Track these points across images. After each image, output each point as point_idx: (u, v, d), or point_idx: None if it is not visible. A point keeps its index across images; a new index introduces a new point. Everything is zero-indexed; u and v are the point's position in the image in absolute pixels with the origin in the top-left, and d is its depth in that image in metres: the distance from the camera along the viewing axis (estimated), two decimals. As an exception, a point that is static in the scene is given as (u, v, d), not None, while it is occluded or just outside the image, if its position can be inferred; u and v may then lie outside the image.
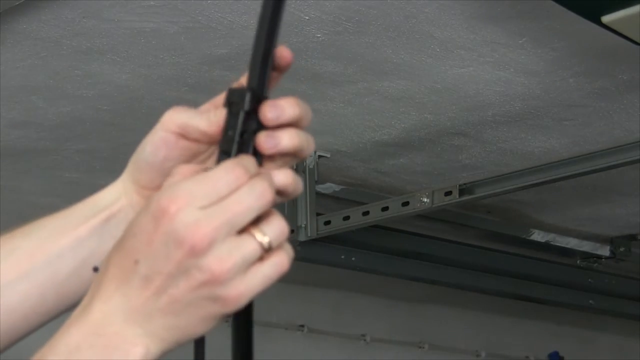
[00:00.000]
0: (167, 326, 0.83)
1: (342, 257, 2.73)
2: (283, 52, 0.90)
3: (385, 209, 2.47)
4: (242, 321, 0.94)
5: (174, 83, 1.98)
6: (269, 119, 0.88)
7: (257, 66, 0.88)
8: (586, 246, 3.16)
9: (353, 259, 2.75)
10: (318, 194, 2.55)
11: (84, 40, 1.79)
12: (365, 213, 2.49)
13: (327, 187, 2.60)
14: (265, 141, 0.89)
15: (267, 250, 0.84)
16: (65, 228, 0.96)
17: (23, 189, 2.59)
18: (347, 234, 2.61)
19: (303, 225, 2.51)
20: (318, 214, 2.53)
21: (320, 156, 2.45)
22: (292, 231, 2.52)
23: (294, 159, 0.92)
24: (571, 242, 3.13)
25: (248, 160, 0.87)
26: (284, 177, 0.91)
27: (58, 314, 0.97)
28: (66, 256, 0.95)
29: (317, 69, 1.95)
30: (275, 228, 0.84)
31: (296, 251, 2.81)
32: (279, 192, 0.91)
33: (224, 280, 0.82)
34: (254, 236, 0.83)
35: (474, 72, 1.97)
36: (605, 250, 3.19)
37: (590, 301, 3.36)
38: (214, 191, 0.83)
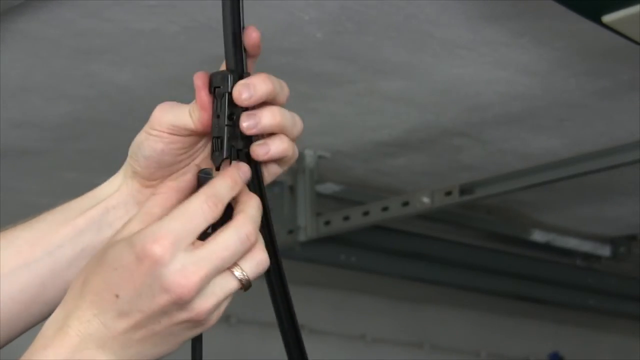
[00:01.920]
0: (141, 354, 0.84)
1: (342, 257, 2.73)
2: (250, 32, 0.90)
3: (385, 209, 2.47)
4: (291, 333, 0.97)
5: (174, 83, 1.98)
6: (243, 99, 0.88)
7: (230, 49, 0.89)
8: (586, 246, 3.16)
9: (353, 259, 2.75)
10: (318, 194, 2.55)
11: (84, 40, 1.79)
12: (365, 213, 2.49)
13: (327, 187, 2.60)
14: (246, 121, 0.89)
15: (246, 287, 0.85)
16: (65, 220, 0.97)
17: (23, 189, 2.59)
18: (347, 234, 2.61)
19: (303, 226, 2.51)
20: (318, 214, 2.53)
21: (320, 156, 2.44)
22: (291, 231, 2.52)
23: (289, 148, 0.91)
24: (571, 242, 3.13)
25: (218, 188, 0.86)
26: (280, 143, 0.91)
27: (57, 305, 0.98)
28: (66, 246, 0.96)
29: (317, 69, 1.95)
30: (255, 264, 0.86)
31: (296, 251, 2.80)
32: (278, 161, 0.92)
33: (206, 317, 0.84)
34: (234, 274, 0.84)
35: (474, 72, 1.97)
36: (605, 250, 3.18)
37: (590, 301, 3.36)
38: (193, 227, 0.83)
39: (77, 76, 1.94)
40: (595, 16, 1.50)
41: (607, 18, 1.49)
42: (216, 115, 0.89)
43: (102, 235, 0.96)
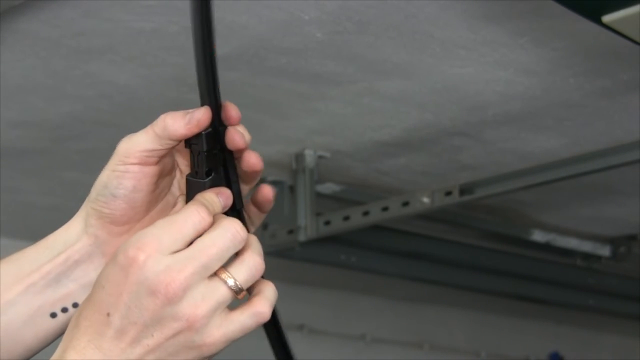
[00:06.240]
0: None
1: (342, 257, 2.73)
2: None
3: (385, 209, 2.46)
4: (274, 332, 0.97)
5: (174, 83, 1.98)
6: (237, 143, 0.91)
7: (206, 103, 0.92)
8: (586, 246, 3.16)
9: (353, 259, 2.75)
10: (318, 194, 2.55)
11: (84, 40, 1.79)
12: (365, 213, 2.49)
13: (327, 187, 2.60)
14: (253, 158, 0.93)
15: (238, 292, 0.83)
16: (18, 275, 0.93)
17: (23, 189, 2.59)
18: (347, 234, 2.61)
19: (303, 226, 2.51)
20: (318, 214, 2.52)
21: (320, 156, 2.44)
22: (291, 231, 2.52)
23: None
24: (571, 242, 3.13)
25: (209, 199, 0.87)
26: (269, 190, 0.95)
27: None
28: (20, 304, 0.92)
29: (317, 69, 1.95)
30: (246, 269, 0.84)
31: (296, 251, 2.81)
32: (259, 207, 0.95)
33: (200, 326, 0.81)
34: (223, 280, 0.83)
35: (474, 72, 1.97)
36: (605, 250, 3.18)
37: (590, 301, 3.36)
38: (180, 235, 0.82)
39: (77, 76, 1.94)
40: (595, 16, 1.50)
41: (607, 18, 1.49)
42: (194, 169, 0.91)
43: (63, 290, 0.93)
